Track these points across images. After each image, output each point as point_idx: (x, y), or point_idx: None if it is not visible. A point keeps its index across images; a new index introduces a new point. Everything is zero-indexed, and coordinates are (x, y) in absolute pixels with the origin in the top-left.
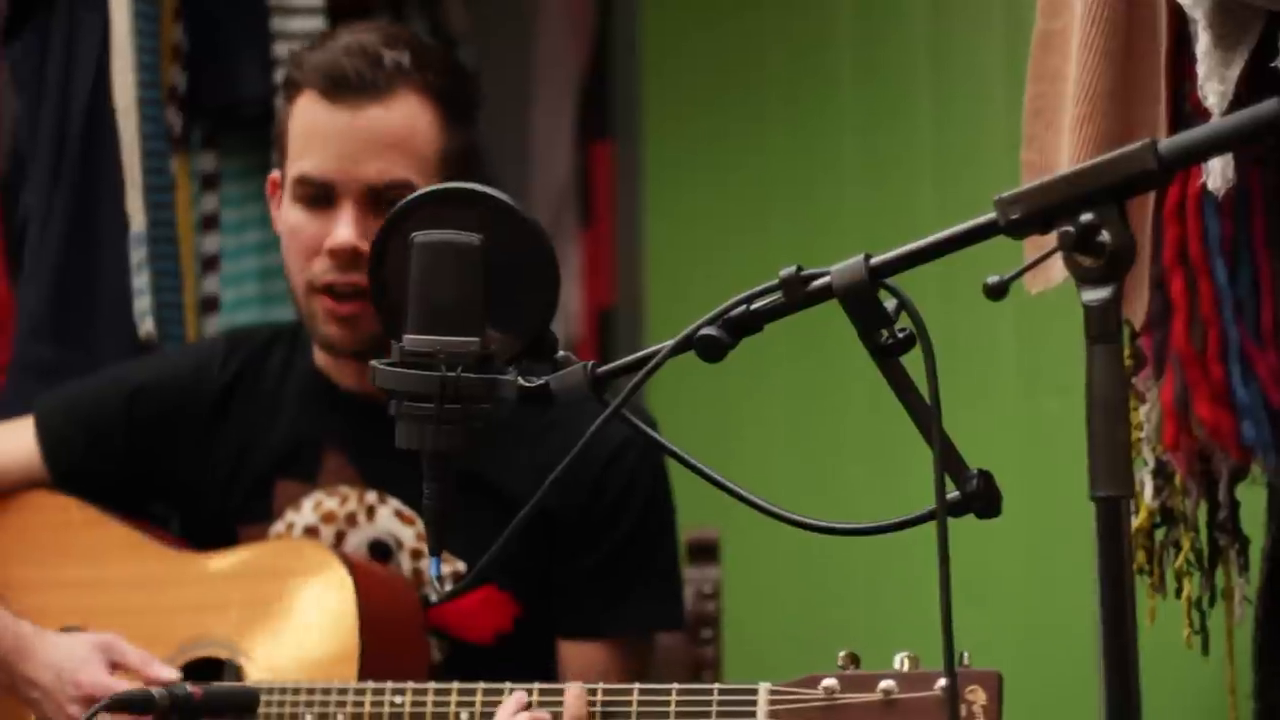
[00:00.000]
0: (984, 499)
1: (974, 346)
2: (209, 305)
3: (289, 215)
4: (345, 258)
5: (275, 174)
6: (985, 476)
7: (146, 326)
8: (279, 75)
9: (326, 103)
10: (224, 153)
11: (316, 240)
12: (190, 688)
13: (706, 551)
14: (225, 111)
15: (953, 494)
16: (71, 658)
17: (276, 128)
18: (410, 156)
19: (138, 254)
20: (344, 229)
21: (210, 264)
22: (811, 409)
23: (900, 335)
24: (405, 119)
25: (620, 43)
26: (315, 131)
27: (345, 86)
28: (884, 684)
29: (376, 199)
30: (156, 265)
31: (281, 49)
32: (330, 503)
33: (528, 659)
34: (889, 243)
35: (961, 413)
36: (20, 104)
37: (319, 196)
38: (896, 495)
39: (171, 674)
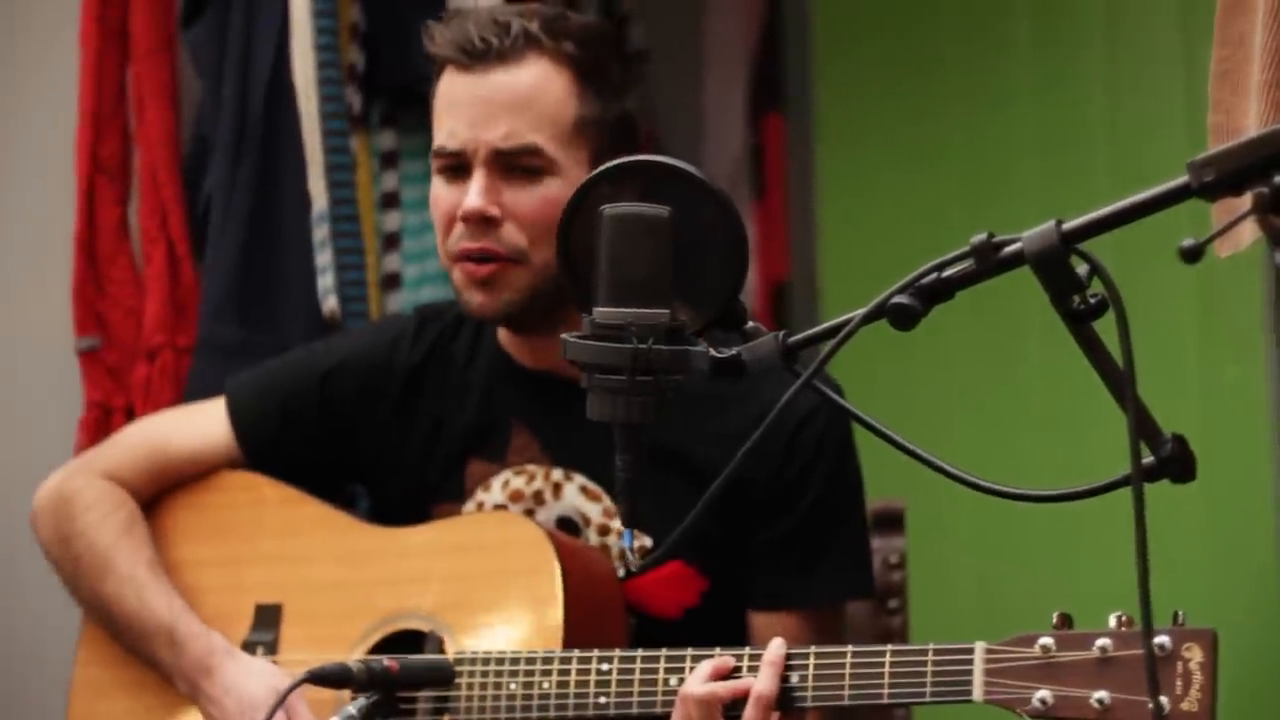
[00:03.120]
0: (1179, 463)
1: (1153, 314)
2: (391, 282)
3: (432, 189)
4: (475, 223)
5: None
6: (1179, 441)
7: (330, 304)
8: None
9: (459, 73)
10: (402, 131)
11: (452, 210)
12: (386, 661)
13: (892, 522)
14: (403, 90)
15: (1147, 459)
16: (252, 694)
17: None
18: (539, 120)
19: (320, 232)
20: (473, 195)
21: (391, 241)
22: (989, 382)
23: (1092, 301)
24: (533, 82)
25: (791, 15)
26: (448, 102)
27: (474, 54)
28: (1100, 642)
29: (507, 164)
30: (339, 243)
31: None
32: (518, 481)
33: (714, 634)
34: (1063, 213)
35: (1141, 380)
36: (201, 86)
37: (455, 167)
38: (1074, 466)
39: None
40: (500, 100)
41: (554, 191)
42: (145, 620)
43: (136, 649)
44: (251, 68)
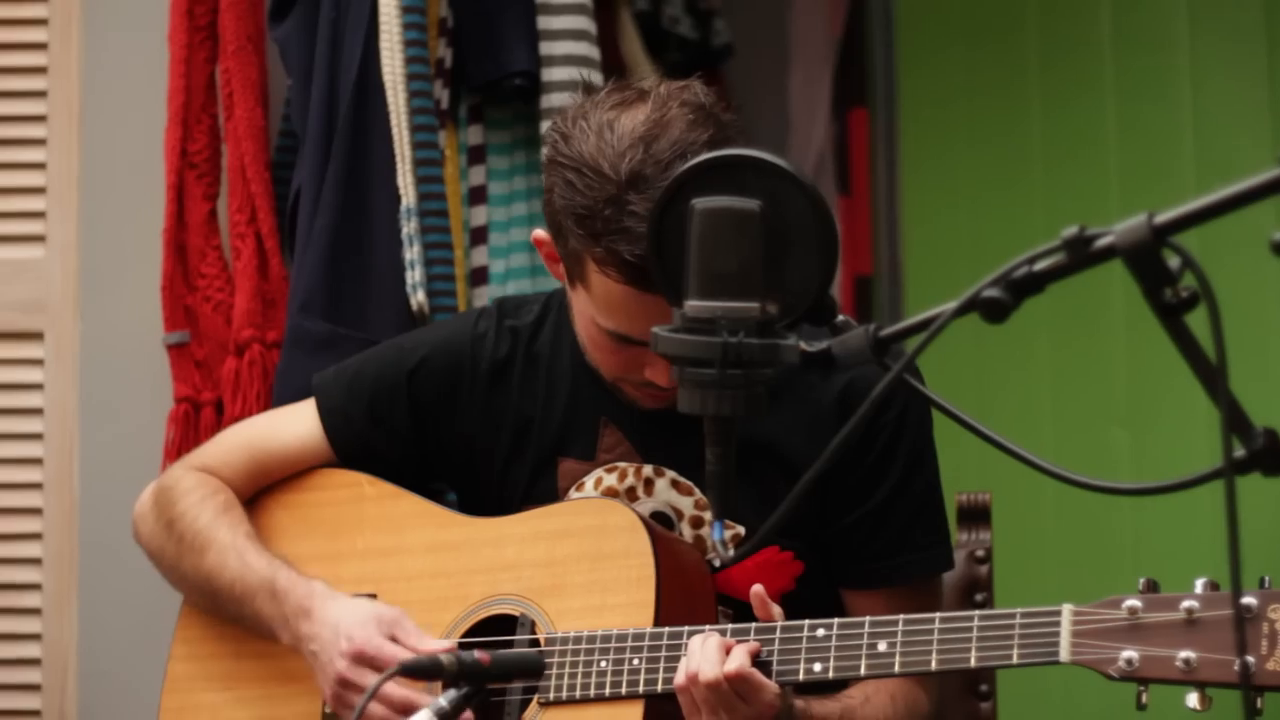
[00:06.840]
0: (1270, 456)
1: (1239, 307)
2: (478, 277)
3: (595, 336)
4: (668, 392)
5: (541, 234)
6: (1270, 434)
7: (418, 299)
8: (544, 48)
9: (632, 289)
10: (489, 126)
11: (628, 364)
12: (478, 654)
13: (978, 515)
14: (490, 85)
15: (1238, 452)
16: (350, 617)
17: (550, 220)
18: None
19: (408, 227)
20: (666, 377)
21: (478, 236)
22: (1073, 378)
23: (1184, 295)
24: None
25: (876, 9)
26: (622, 304)
27: (649, 281)
28: (1186, 604)
29: None
30: (427, 238)
31: (545, 22)
32: (610, 479)
33: (811, 617)
34: (1146, 208)
35: (1230, 373)
36: (290, 82)
37: (631, 342)
38: (1158, 461)
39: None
40: None
41: None
42: (247, 579)
43: (240, 612)
44: (340, 64)
